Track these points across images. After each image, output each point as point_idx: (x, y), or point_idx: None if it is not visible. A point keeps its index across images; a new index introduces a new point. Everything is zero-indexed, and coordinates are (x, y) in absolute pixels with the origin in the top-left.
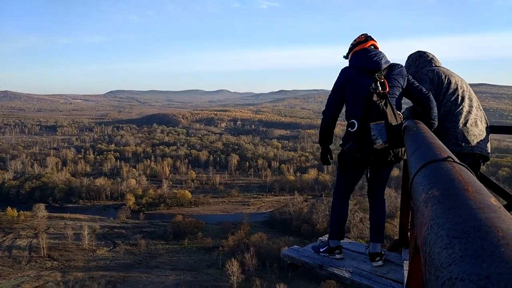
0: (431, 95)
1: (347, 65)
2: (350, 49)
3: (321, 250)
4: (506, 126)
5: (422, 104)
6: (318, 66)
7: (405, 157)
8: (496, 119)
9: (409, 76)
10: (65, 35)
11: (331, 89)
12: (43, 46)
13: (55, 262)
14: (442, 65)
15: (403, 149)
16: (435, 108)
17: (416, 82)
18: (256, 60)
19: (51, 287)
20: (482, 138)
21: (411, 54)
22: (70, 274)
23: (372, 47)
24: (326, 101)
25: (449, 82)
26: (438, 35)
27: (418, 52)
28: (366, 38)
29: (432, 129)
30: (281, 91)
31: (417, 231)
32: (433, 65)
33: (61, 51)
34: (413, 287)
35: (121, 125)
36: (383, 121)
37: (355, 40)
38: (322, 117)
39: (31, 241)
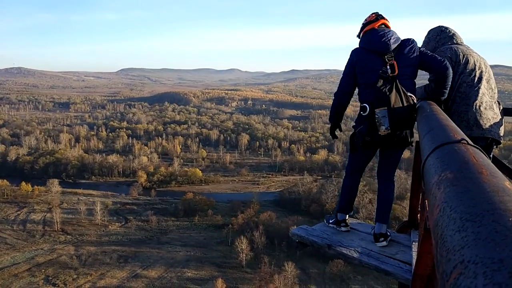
0: (447, 63)
1: (357, 46)
2: (361, 29)
3: (330, 221)
4: None
5: (439, 73)
6: (330, 46)
7: (411, 140)
8: (511, 101)
9: (422, 48)
10: (78, 12)
11: (343, 69)
12: (56, 23)
13: (68, 236)
14: (464, 43)
15: (409, 133)
16: (451, 77)
17: (429, 52)
18: (268, 39)
19: (65, 260)
20: (496, 122)
21: (432, 29)
22: (83, 248)
23: (383, 26)
24: (339, 83)
25: (467, 62)
26: (453, 14)
27: (440, 27)
28: (376, 17)
29: (443, 98)
30: (292, 71)
31: (429, 213)
32: (454, 42)
33: (74, 28)
34: (422, 268)
35: (133, 103)
36: (386, 107)
37: (365, 20)
38: (333, 98)
39: (45, 215)
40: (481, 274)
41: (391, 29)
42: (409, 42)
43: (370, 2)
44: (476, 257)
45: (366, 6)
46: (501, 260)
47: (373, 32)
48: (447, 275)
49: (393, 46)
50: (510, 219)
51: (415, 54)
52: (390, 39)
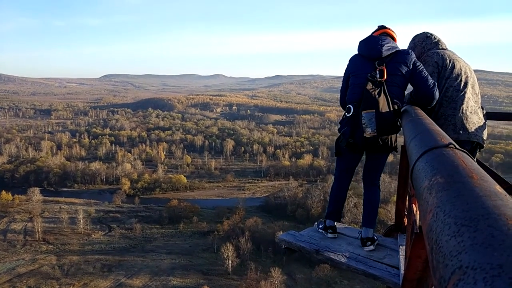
0: (436, 92)
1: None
2: None
3: (320, 226)
4: (500, 112)
5: (423, 97)
6: (314, 51)
7: (395, 144)
8: (490, 105)
9: (418, 64)
10: (60, 17)
11: (328, 74)
12: (38, 28)
13: (50, 246)
14: (449, 49)
15: (393, 138)
16: (433, 104)
17: (424, 72)
18: (252, 44)
19: (46, 270)
20: (480, 126)
21: (417, 35)
22: (66, 258)
23: (385, 34)
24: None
25: (453, 67)
26: (433, 21)
27: (425, 33)
28: (379, 27)
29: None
30: (276, 76)
31: (421, 218)
32: (440, 48)
33: (56, 33)
34: (413, 272)
35: (116, 109)
36: (374, 110)
37: (372, 32)
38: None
39: (26, 224)
40: (481, 280)
41: (389, 38)
42: (404, 53)
43: (354, 8)
44: (475, 263)
45: (350, 12)
46: (500, 266)
47: (368, 38)
48: (445, 281)
49: (385, 53)
50: (505, 223)
51: (408, 67)
52: (383, 46)
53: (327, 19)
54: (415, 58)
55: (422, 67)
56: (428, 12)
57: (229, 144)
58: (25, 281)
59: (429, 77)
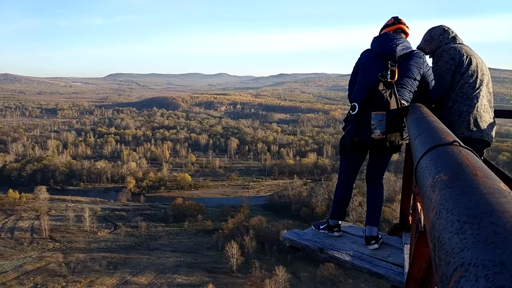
0: (436, 97)
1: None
2: (380, 32)
3: (321, 227)
4: (507, 110)
5: (428, 103)
6: (318, 50)
7: (400, 143)
8: (497, 103)
9: (428, 69)
10: (64, 17)
11: (332, 73)
12: (43, 28)
13: (57, 244)
14: (465, 44)
15: (398, 138)
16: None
17: (431, 76)
18: (256, 43)
19: (53, 268)
20: (491, 124)
21: (434, 27)
22: (72, 255)
23: (399, 30)
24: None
25: (470, 63)
26: (437, 18)
27: (443, 27)
28: (394, 21)
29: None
30: (281, 75)
31: (424, 216)
32: (457, 42)
33: (60, 33)
34: (417, 271)
35: (121, 108)
36: (385, 112)
37: (385, 23)
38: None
39: (33, 222)
40: (483, 277)
41: (404, 36)
42: (418, 56)
43: (358, 6)
44: (477, 260)
45: (354, 11)
46: (502, 263)
47: (383, 36)
48: (447, 278)
49: (398, 53)
50: (509, 221)
51: (418, 68)
52: (398, 45)
53: (331, 18)
54: (426, 62)
55: (431, 71)
56: (432, 10)
57: (233, 142)
58: (32, 278)
59: (434, 83)
